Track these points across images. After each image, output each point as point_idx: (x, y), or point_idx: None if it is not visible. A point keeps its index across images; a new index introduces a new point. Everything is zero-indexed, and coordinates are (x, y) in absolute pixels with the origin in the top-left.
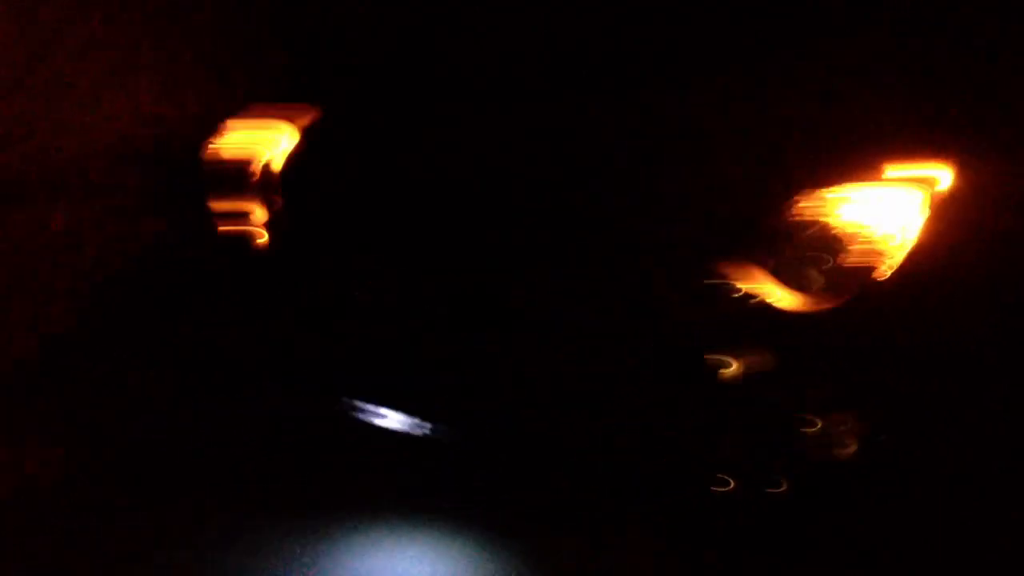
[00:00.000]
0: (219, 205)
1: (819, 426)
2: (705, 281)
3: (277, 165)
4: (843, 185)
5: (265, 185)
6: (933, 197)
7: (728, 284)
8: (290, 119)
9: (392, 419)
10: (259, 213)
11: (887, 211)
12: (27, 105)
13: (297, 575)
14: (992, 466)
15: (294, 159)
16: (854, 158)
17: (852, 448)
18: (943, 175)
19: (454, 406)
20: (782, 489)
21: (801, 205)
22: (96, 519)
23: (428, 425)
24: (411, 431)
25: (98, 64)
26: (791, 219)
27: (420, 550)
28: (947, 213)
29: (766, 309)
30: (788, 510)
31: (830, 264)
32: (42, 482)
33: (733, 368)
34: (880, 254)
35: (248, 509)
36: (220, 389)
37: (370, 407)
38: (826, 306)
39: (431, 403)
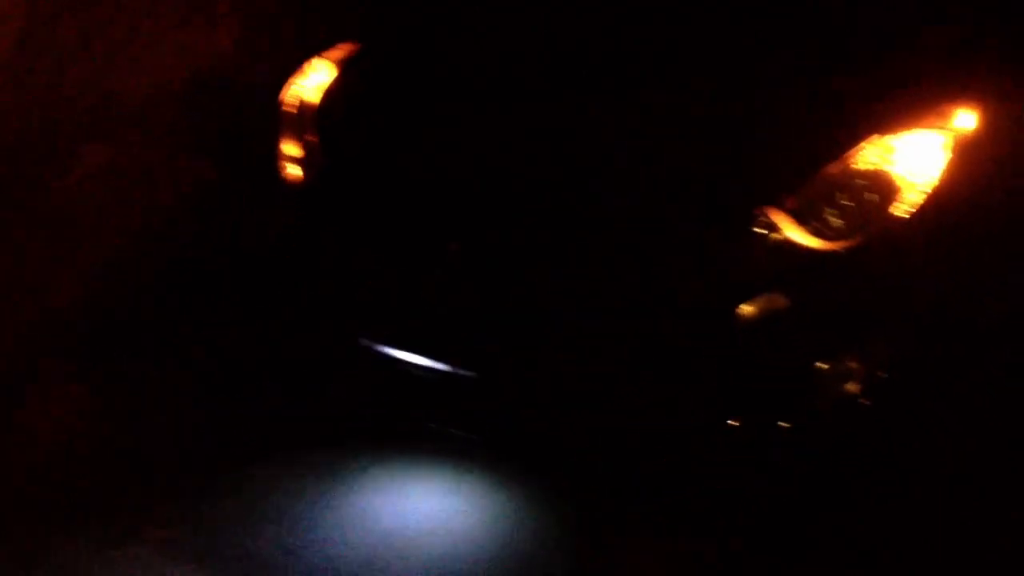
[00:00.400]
0: (257, 144)
1: (830, 369)
2: (723, 223)
3: (313, 100)
4: (864, 126)
5: (300, 120)
6: (956, 139)
7: (747, 225)
8: (326, 54)
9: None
10: (292, 149)
11: (909, 153)
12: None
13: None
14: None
15: (330, 95)
16: (875, 99)
17: (859, 391)
18: (968, 117)
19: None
20: (789, 428)
21: (820, 146)
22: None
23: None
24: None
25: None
26: (810, 160)
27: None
28: (971, 156)
29: (783, 249)
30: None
31: (849, 205)
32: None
33: (749, 310)
34: (900, 196)
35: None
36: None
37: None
38: (844, 247)
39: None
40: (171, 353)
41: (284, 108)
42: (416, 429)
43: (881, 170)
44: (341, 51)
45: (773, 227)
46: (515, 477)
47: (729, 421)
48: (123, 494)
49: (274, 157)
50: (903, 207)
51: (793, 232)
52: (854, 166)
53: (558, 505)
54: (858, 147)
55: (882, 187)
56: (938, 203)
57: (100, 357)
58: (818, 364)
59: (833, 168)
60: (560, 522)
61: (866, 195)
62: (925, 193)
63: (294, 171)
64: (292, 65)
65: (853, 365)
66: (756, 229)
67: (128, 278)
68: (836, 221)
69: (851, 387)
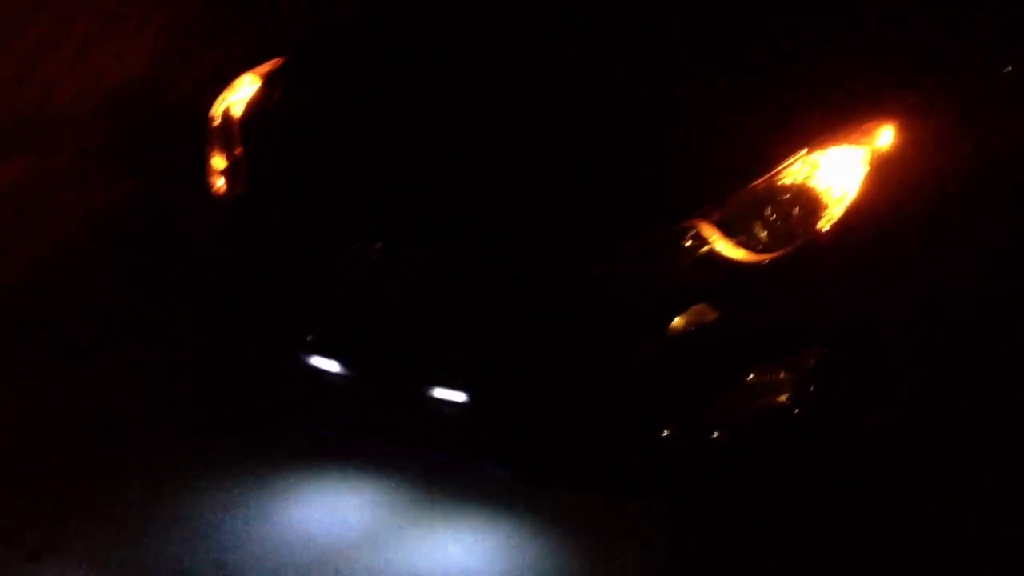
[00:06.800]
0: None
1: (760, 379)
2: (650, 235)
3: (237, 112)
4: (794, 142)
5: (226, 133)
6: (874, 154)
7: (673, 237)
8: (255, 69)
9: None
10: (219, 161)
11: (833, 168)
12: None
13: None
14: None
15: (255, 106)
16: (804, 116)
17: (787, 398)
18: (885, 133)
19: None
20: (721, 437)
21: (751, 160)
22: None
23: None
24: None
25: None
26: (740, 174)
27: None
28: (887, 171)
29: (710, 261)
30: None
31: (776, 218)
32: None
33: (677, 321)
34: (824, 210)
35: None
36: None
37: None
38: (769, 258)
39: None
40: (92, 364)
41: (212, 122)
42: (346, 441)
43: (807, 185)
44: (270, 65)
45: (702, 239)
46: (448, 490)
47: (664, 431)
48: (48, 507)
49: (202, 170)
50: (827, 220)
51: (721, 244)
52: (781, 181)
53: (493, 517)
54: (787, 162)
55: (807, 201)
56: (858, 215)
57: (20, 365)
58: (748, 375)
59: (761, 182)
60: (497, 533)
61: (792, 209)
62: (846, 206)
63: (221, 183)
64: (217, 79)
65: (783, 375)
66: (686, 241)
67: (48, 289)
68: (763, 234)
69: (782, 398)
